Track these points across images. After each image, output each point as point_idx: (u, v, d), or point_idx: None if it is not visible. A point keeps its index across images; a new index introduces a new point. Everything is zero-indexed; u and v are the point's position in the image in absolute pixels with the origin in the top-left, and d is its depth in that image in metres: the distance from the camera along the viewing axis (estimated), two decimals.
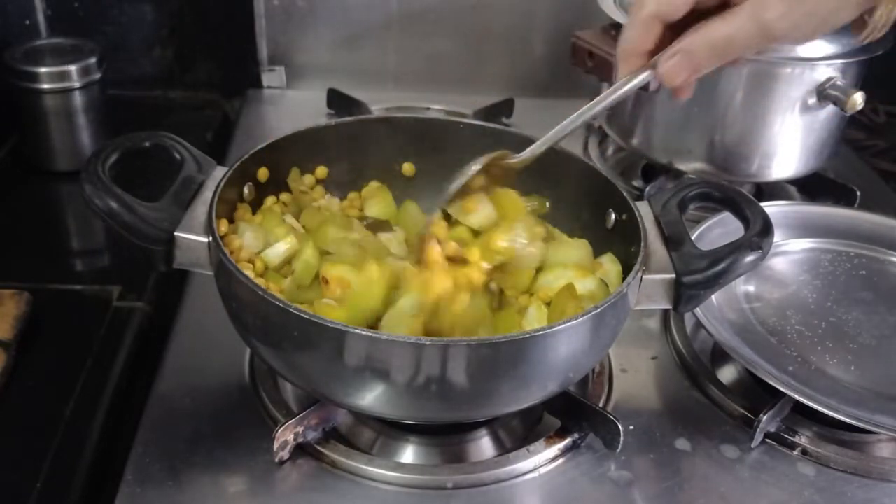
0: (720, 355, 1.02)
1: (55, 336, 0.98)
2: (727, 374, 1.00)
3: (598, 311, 0.73)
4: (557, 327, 0.71)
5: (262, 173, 0.90)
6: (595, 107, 0.78)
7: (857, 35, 0.70)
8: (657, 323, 1.05)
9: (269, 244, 0.85)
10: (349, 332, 0.69)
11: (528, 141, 0.93)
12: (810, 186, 1.33)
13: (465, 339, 0.71)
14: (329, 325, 0.69)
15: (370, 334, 0.69)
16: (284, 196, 0.92)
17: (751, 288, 1.06)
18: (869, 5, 0.66)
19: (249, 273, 0.77)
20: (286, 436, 0.81)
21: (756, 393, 0.95)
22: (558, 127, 0.82)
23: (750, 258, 0.78)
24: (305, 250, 0.84)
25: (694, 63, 0.70)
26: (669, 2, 0.69)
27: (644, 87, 0.75)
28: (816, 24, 0.67)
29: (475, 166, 0.85)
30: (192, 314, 1.00)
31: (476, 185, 0.86)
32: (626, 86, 0.75)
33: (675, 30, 0.71)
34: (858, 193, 1.28)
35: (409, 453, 0.86)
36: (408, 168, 0.99)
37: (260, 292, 0.72)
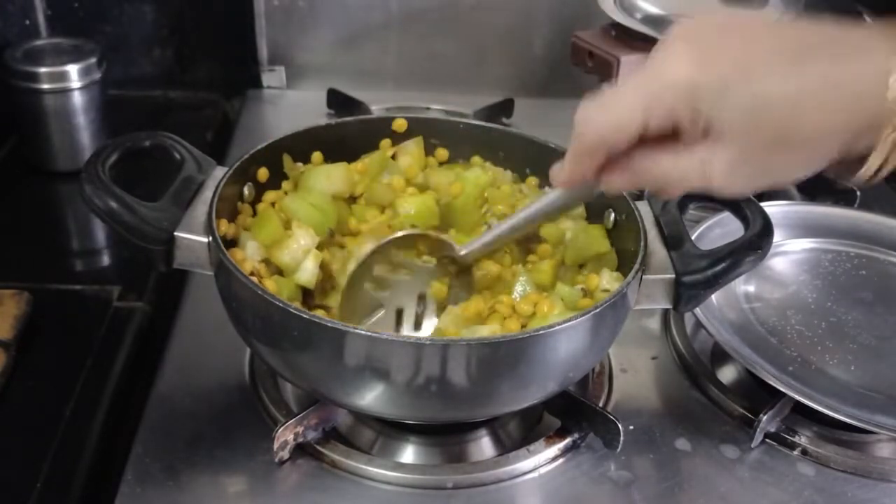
0: (720, 355, 1.02)
1: (55, 336, 0.98)
2: (727, 374, 1.00)
3: (597, 310, 0.73)
4: (557, 327, 0.71)
5: (262, 173, 0.90)
6: (536, 212, 0.79)
7: (841, 177, 0.67)
8: (657, 323, 1.05)
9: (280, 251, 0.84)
10: (349, 331, 0.69)
11: (529, 141, 0.94)
12: (810, 186, 1.33)
13: (465, 339, 0.72)
14: (329, 325, 0.69)
15: (370, 334, 0.69)
16: (285, 185, 0.92)
17: (751, 288, 1.06)
18: (830, 160, 0.60)
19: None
20: (286, 436, 0.81)
21: (756, 393, 0.95)
22: (504, 225, 0.82)
23: (750, 258, 0.79)
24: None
25: (636, 183, 0.66)
26: (610, 134, 0.63)
27: None
28: (765, 183, 0.63)
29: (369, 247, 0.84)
30: (192, 314, 1.00)
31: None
32: (562, 197, 0.76)
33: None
34: (858, 193, 1.28)
35: (409, 453, 0.86)
36: None
37: (260, 292, 0.72)
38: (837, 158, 0.60)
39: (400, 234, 0.85)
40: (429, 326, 0.86)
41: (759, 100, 0.57)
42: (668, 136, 0.62)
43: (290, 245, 0.82)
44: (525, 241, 0.89)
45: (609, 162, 0.66)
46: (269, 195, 0.90)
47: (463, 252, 0.84)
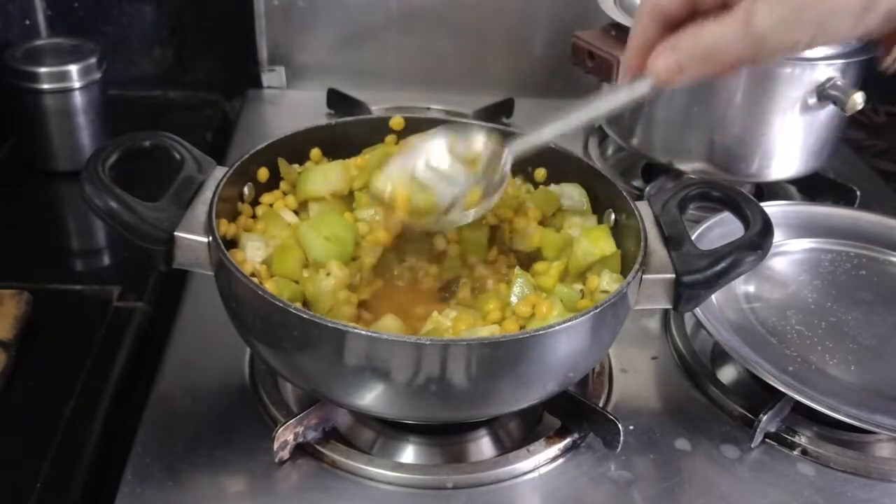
0: (720, 355, 1.02)
1: (55, 336, 0.98)
2: (727, 374, 1.00)
3: (597, 310, 0.73)
4: (557, 327, 0.71)
5: (262, 173, 0.90)
6: (594, 110, 0.77)
7: (881, 61, 0.68)
8: (657, 323, 1.05)
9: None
10: (349, 331, 0.69)
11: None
12: (810, 186, 1.33)
13: (465, 339, 0.72)
14: (329, 325, 0.69)
15: (370, 334, 0.69)
16: (283, 185, 0.92)
17: (751, 288, 1.06)
18: (870, 17, 0.62)
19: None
20: (286, 436, 0.81)
21: (756, 393, 0.95)
22: (557, 123, 0.80)
23: (750, 258, 0.78)
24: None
25: (680, 62, 0.67)
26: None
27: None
28: (813, 34, 0.63)
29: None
30: (192, 314, 1.00)
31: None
32: (623, 91, 0.73)
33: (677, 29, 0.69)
34: (858, 193, 1.28)
35: (409, 453, 0.86)
36: None
37: (260, 292, 0.72)
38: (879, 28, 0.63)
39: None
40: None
41: None
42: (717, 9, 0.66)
43: (318, 280, 0.82)
44: (527, 260, 0.89)
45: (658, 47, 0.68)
46: (267, 197, 0.90)
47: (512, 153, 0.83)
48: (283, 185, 0.92)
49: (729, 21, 0.64)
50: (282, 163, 0.91)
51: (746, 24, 0.63)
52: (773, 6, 0.62)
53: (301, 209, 0.91)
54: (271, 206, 0.90)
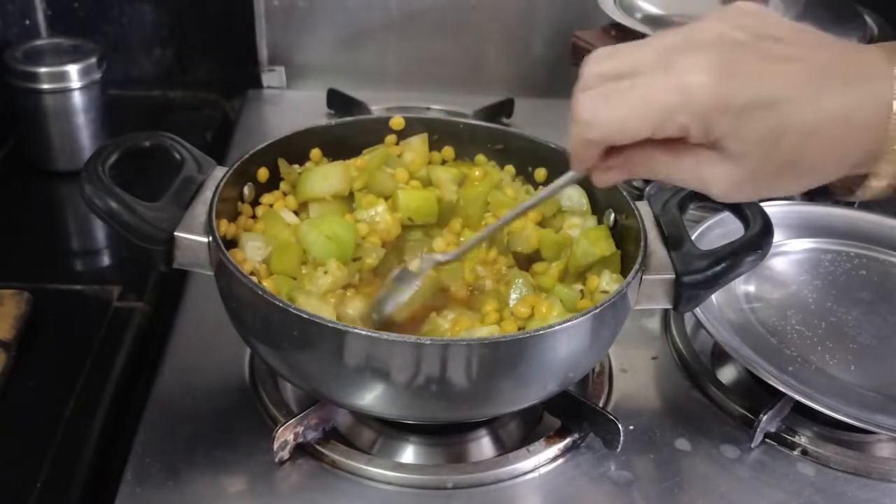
0: (720, 355, 1.02)
1: (55, 336, 0.98)
2: (727, 374, 1.00)
3: (597, 310, 0.73)
4: (557, 327, 0.71)
5: (262, 173, 0.90)
6: (532, 202, 0.78)
7: (841, 195, 0.67)
8: (657, 323, 1.05)
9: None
10: (349, 331, 0.69)
11: (529, 141, 0.94)
12: None
13: (465, 339, 0.72)
14: (329, 324, 0.69)
15: (370, 334, 0.69)
16: (283, 185, 0.92)
17: (751, 288, 1.06)
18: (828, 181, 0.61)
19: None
20: (286, 436, 0.81)
21: (756, 393, 0.95)
22: (492, 225, 0.82)
23: (750, 258, 0.79)
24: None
25: (630, 176, 0.65)
26: (615, 135, 0.60)
27: None
28: (760, 197, 0.63)
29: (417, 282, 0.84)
30: (192, 314, 1.00)
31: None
32: (558, 186, 0.73)
33: None
34: None
35: (409, 453, 0.86)
36: None
37: (260, 292, 0.72)
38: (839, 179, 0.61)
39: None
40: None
41: (776, 129, 0.57)
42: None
43: (316, 277, 0.82)
44: (526, 261, 0.89)
45: (605, 154, 0.63)
46: (267, 197, 0.90)
47: (445, 258, 0.84)
48: (283, 185, 0.92)
49: (687, 164, 0.61)
50: (282, 163, 0.91)
51: (703, 180, 0.60)
52: (737, 183, 0.60)
53: (301, 210, 0.91)
54: (271, 206, 0.90)
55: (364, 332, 0.69)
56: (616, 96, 0.59)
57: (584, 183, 0.91)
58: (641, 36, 1.13)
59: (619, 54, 0.61)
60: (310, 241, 0.84)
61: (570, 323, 0.71)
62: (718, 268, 0.78)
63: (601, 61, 0.61)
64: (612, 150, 0.63)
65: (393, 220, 0.89)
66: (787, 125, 0.56)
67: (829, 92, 0.57)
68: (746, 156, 0.58)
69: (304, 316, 0.70)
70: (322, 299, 0.79)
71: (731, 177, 0.59)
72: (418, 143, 0.96)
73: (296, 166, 0.93)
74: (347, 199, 0.92)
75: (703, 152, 0.59)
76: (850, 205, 1.26)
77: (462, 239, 0.91)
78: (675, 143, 0.60)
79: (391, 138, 0.96)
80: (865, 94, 0.57)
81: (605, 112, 0.59)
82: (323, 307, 0.78)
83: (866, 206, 1.25)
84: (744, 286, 1.06)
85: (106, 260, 1.18)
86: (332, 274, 0.82)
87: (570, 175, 0.69)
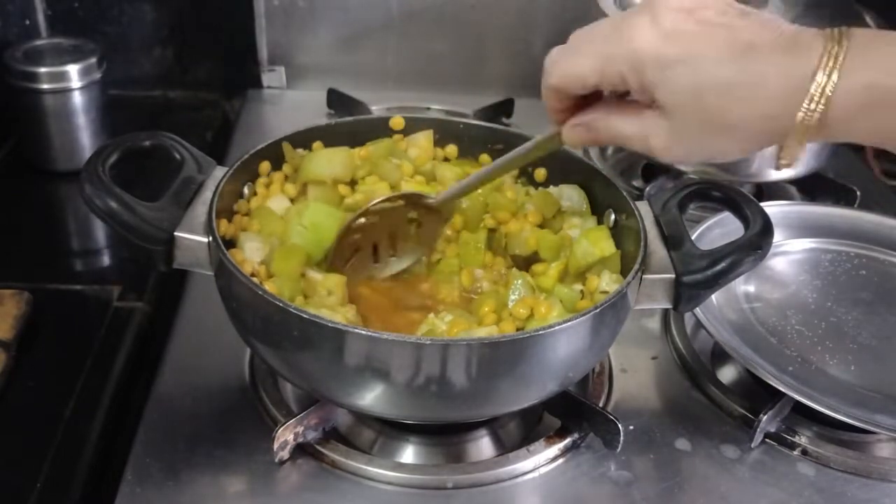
0: (720, 355, 1.02)
1: (55, 336, 0.98)
2: (727, 374, 1.00)
3: (597, 311, 0.73)
4: (557, 327, 0.71)
5: (264, 167, 0.90)
6: (510, 160, 0.81)
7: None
8: (657, 323, 1.05)
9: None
10: (349, 331, 0.69)
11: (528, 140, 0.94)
12: (810, 186, 1.33)
13: (465, 339, 0.71)
14: (329, 324, 0.69)
15: (370, 334, 0.69)
16: (286, 168, 0.92)
17: (751, 288, 1.06)
18: (760, 148, 0.65)
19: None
20: (286, 436, 0.81)
21: (756, 393, 0.95)
22: (474, 175, 0.85)
23: (750, 258, 0.78)
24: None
25: (594, 138, 0.72)
26: (569, 81, 0.69)
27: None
28: (701, 158, 0.71)
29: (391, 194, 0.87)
30: (192, 314, 1.00)
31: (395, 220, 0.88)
32: (537, 141, 0.79)
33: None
34: (858, 193, 1.28)
35: (409, 453, 0.86)
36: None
37: (260, 292, 0.72)
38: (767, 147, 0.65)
39: (381, 197, 0.87)
40: (396, 265, 0.91)
41: (696, 83, 0.62)
42: (627, 97, 0.68)
43: (319, 292, 0.82)
44: (525, 263, 0.89)
45: (573, 113, 0.72)
46: (267, 179, 0.90)
47: (436, 200, 0.87)
48: (285, 167, 0.92)
49: (633, 125, 0.68)
50: (287, 147, 0.91)
51: (645, 138, 0.67)
52: (671, 138, 0.66)
53: (300, 195, 0.91)
54: (268, 187, 0.90)
55: (364, 332, 0.69)
56: (575, 48, 0.69)
57: (584, 182, 0.92)
58: None
59: (596, 23, 0.69)
60: (289, 228, 0.85)
61: (569, 323, 0.71)
62: (718, 268, 0.78)
63: (581, 30, 0.70)
64: (578, 109, 0.71)
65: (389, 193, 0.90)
66: (708, 81, 0.62)
67: (753, 56, 0.61)
68: (674, 109, 0.64)
69: (305, 316, 0.70)
70: (332, 310, 0.80)
71: (665, 133, 0.65)
72: (423, 139, 0.96)
73: (300, 150, 0.93)
74: (346, 190, 0.92)
75: (646, 111, 0.66)
76: (850, 204, 1.26)
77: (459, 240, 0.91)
78: (627, 105, 0.68)
79: (397, 137, 0.96)
80: (787, 64, 0.60)
81: (563, 61, 0.69)
82: (333, 316, 0.78)
83: (866, 205, 1.26)
84: (744, 286, 1.06)
85: (106, 260, 1.18)
86: (336, 294, 0.82)
87: (547, 134, 0.77)
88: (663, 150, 0.67)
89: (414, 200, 0.88)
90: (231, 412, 0.88)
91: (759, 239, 0.79)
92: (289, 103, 1.54)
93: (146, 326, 1.03)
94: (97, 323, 1.01)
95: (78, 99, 1.25)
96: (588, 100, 0.71)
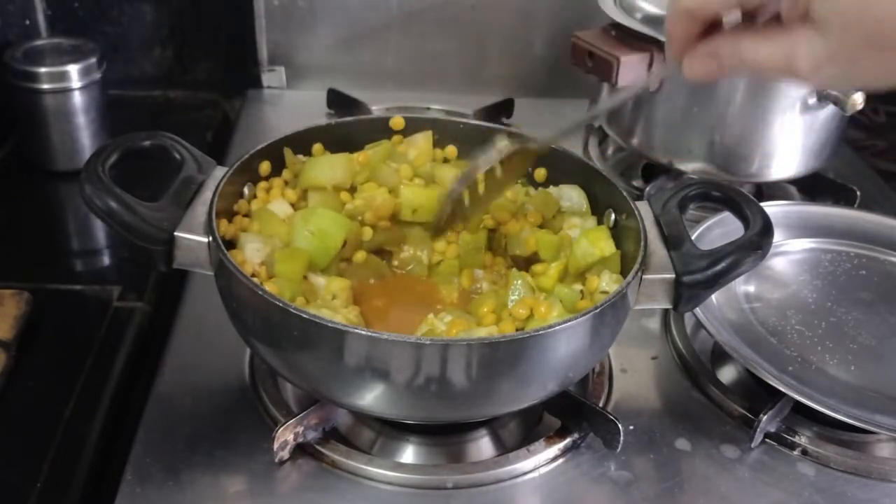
0: (720, 355, 1.02)
1: (55, 336, 0.98)
2: (727, 373, 1.00)
3: (597, 311, 0.73)
4: (557, 327, 0.71)
5: (265, 167, 0.90)
6: (621, 95, 0.76)
7: None
8: (657, 323, 1.05)
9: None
10: (349, 331, 0.69)
11: (529, 141, 0.94)
12: (810, 186, 1.33)
13: (466, 339, 0.71)
14: (329, 325, 0.69)
15: (370, 334, 0.69)
16: (286, 173, 0.92)
17: (751, 288, 1.06)
18: None
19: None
20: (286, 436, 0.81)
21: (756, 393, 0.95)
22: (579, 115, 0.80)
23: (750, 258, 0.79)
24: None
25: (720, 70, 0.66)
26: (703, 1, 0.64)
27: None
28: (858, 83, 0.64)
29: (495, 154, 0.85)
30: (193, 314, 1.00)
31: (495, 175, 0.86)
32: (656, 75, 0.72)
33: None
34: (858, 193, 1.28)
35: (409, 453, 0.86)
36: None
37: (260, 292, 0.72)
38: None
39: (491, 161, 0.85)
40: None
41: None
42: (752, 25, 0.63)
43: (323, 296, 0.82)
44: (524, 263, 0.89)
45: (696, 45, 0.66)
46: (267, 183, 0.90)
47: (538, 143, 0.86)
48: (285, 173, 0.92)
49: (773, 45, 0.62)
50: (287, 153, 0.91)
51: (789, 60, 0.61)
52: (822, 60, 0.60)
53: (300, 200, 0.91)
54: (268, 192, 0.90)
55: (364, 332, 0.69)
56: None
57: (585, 183, 0.92)
58: (642, 37, 1.15)
59: None
60: (295, 232, 0.84)
61: (570, 323, 0.71)
62: (718, 268, 0.78)
63: None
64: (702, 37, 0.66)
65: (389, 199, 0.90)
66: None
67: None
68: (834, 23, 0.58)
69: (305, 316, 0.69)
70: (334, 311, 0.79)
71: (817, 52, 0.59)
72: (422, 140, 0.96)
73: (300, 156, 0.93)
74: (347, 195, 0.92)
75: (791, 27, 0.60)
76: (850, 204, 1.26)
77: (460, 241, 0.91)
78: (763, 26, 0.63)
79: (397, 138, 0.96)
80: None
81: None
82: (335, 316, 0.78)
83: (866, 205, 1.26)
84: (744, 286, 1.06)
85: (106, 260, 1.18)
86: (340, 298, 0.82)
87: (661, 67, 0.70)
88: (811, 72, 0.60)
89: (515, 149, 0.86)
90: (231, 412, 0.88)
91: (759, 239, 0.80)
92: (289, 103, 1.54)
93: (146, 326, 1.03)
94: (97, 323, 1.00)
95: (78, 99, 1.25)
96: (708, 33, 0.66)
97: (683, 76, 0.69)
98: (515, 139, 0.87)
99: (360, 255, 0.89)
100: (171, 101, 1.57)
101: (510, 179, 0.89)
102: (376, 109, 1.45)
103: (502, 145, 0.85)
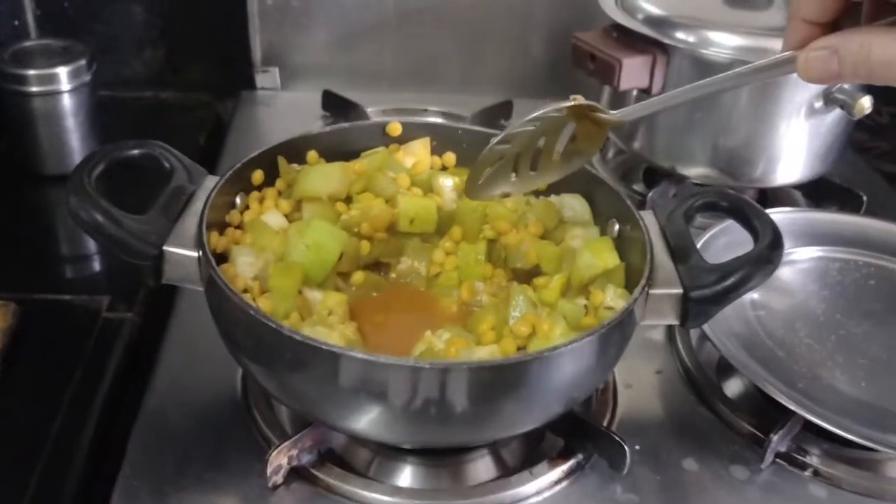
0: (726, 367, 0.99)
1: (43, 348, 0.96)
2: (734, 386, 0.98)
3: (603, 330, 0.70)
4: (562, 349, 0.68)
5: (257, 176, 0.88)
6: (726, 81, 0.71)
7: None
8: (661, 335, 1.03)
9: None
10: (344, 354, 0.67)
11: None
12: (815, 191, 1.31)
13: (466, 362, 0.69)
14: (323, 346, 0.66)
15: (366, 357, 0.66)
16: (279, 183, 0.90)
17: (756, 296, 1.03)
18: None
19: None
20: (280, 459, 0.78)
21: (763, 407, 0.92)
22: (669, 94, 0.75)
23: (760, 272, 0.76)
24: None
25: (841, 69, 0.60)
26: None
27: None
28: None
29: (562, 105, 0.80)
30: (184, 325, 0.98)
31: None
32: (765, 64, 0.67)
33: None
34: (864, 198, 1.26)
35: (406, 474, 0.84)
36: None
37: (251, 311, 0.69)
38: None
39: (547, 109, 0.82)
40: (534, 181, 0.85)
41: None
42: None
43: (319, 312, 0.80)
44: (526, 276, 0.87)
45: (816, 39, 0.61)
46: (259, 194, 0.88)
47: (613, 116, 0.78)
48: (279, 182, 0.90)
49: None
50: (281, 161, 0.89)
51: None
52: None
53: (294, 211, 0.88)
54: (261, 203, 0.87)
55: (360, 355, 0.67)
56: None
57: (586, 191, 0.89)
58: (643, 38, 1.12)
59: None
60: (290, 245, 0.82)
61: (575, 344, 0.69)
62: (728, 282, 0.75)
63: None
64: (827, 29, 0.62)
65: (386, 209, 0.88)
66: None
67: None
68: None
69: (297, 338, 0.67)
70: (330, 328, 0.77)
71: None
72: (420, 147, 0.94)
73: (295, 165, 0.91)
74: (343, 206, 0.90)
75: None
76: (856, 210, 1.24)
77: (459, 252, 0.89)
78: (889, 24, 0.58)
79: (393, 146, 0.94)
80: None
81: None
82: (331, 334, 0.75)
83: (872, 210, 1.23)
84: (750, 296, 1.03)
85: (95, 269, 1.16)
86: (336, 313, 0.80)
87: (778, 56, 0.65)
88: None
89: (583, 113, 0.80)
90: (223, 431, 0.85)
91: (769, 252, 0.77)
92: (283, 105, 1.52)
93: (136, 338, 1.00)
94: (86, 334, 0.98)
95: (67, 101, 1.23)
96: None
97: (798, 75, 0.63)
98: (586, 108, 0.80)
99: (358, 276, 0.86)
100: (163, 102, 1.55)
101: (578, 155, 0.83)
102: (372, 111, 1.43)
103: (571, 103, 0.80)
